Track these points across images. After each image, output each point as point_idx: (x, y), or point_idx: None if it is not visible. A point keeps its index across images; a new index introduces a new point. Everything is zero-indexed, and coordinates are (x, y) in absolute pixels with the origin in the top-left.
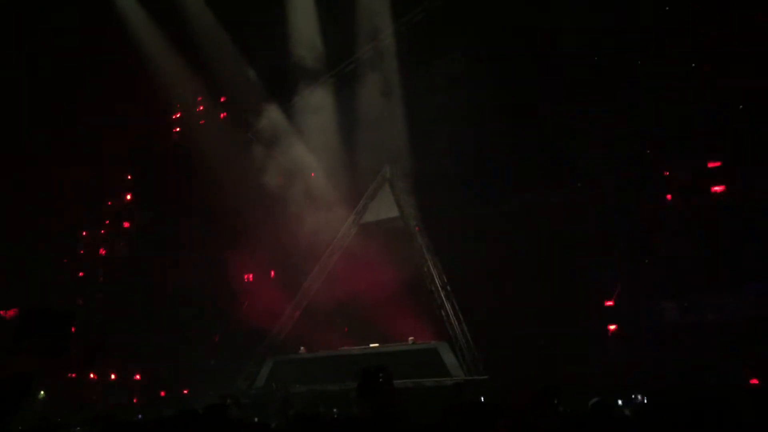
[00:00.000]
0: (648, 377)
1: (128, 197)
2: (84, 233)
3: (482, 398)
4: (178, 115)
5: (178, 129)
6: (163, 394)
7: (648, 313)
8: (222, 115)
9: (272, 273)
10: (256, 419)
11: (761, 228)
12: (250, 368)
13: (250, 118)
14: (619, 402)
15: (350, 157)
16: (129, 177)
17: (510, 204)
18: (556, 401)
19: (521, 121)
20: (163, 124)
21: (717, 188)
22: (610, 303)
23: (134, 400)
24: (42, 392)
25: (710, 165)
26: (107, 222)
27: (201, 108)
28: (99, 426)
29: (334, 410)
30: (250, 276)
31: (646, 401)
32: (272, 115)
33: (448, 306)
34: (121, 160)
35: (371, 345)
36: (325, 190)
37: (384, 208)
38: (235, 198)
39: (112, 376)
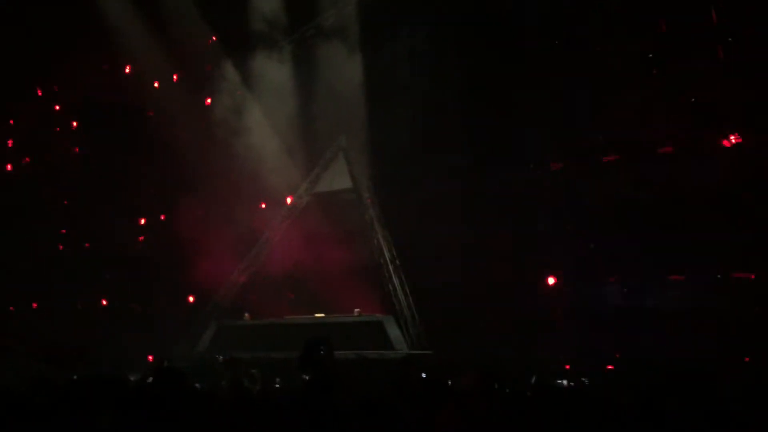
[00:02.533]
0: (590, 359)
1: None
2: None
3: (423, 374)
4: (128, 70)
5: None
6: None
7: (591, 295)
8: (176, 76)
9: (220, 236)
10: (197, 385)
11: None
12: (193, 332)
13: (205, 79)
14: (563, 383)
15: (306, 125)
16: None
17: (464, 181)
18: (496, 385)
19: (481, 98)
20: (114, 79)
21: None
22: (551, 281)
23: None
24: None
25: (661, 151)
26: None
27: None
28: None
29: (277, 380)
30: (198, 237)
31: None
32: (228, 77)
33: (395, 280)
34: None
35: (316, 315)
36: (279, 156)
37: (337, 178)
38: (186, 158)
39: None
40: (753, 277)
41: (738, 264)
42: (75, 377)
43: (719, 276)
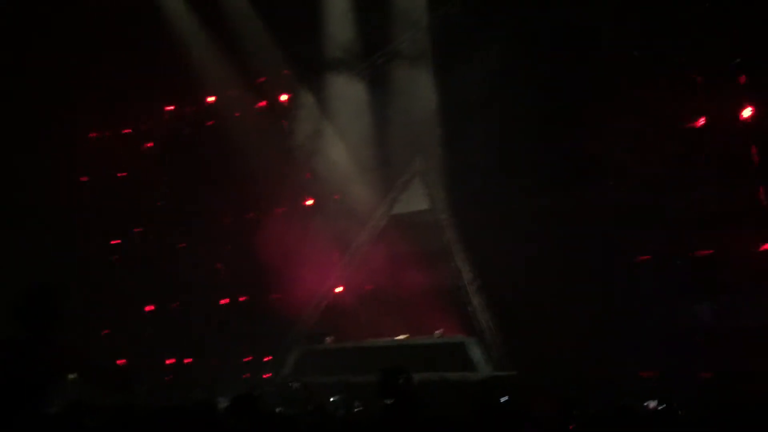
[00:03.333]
0: (677, 382)
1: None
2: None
3: (506, 397)
4: (210, 100)
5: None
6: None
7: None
8: (259, 104)
9: (301, 262)
10: (278, 409)
11: None
12: (277, 357)
13: (283, 107)
14: (648, 405)
15: (382, 149)
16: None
17: (541, 200)
18: (575, 412)
19: (556, 118)
20: (195, 110)
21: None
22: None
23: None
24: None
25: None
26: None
27: (234, 95)
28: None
29: (356, 403)
30: (279, 264)
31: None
32: (305, 104)
33: (476, 301)
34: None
35: (398, 337)
36: (357, 180)
37: (414, 200)
38: (265, 185)
39: None
40: None
41: None
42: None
43: None
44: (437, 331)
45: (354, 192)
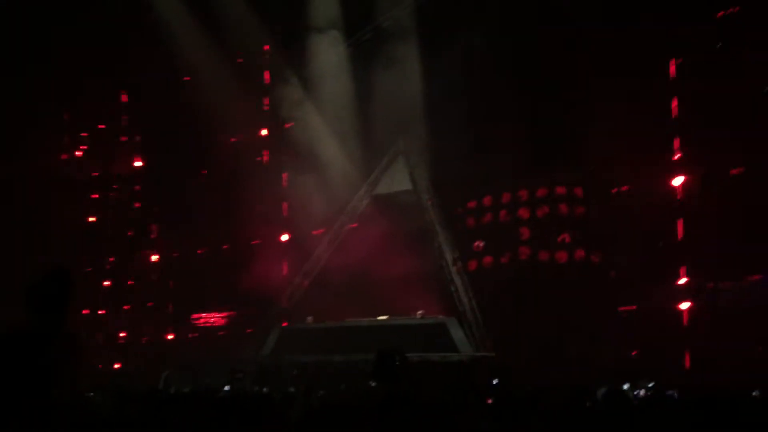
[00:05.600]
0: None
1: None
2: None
3: (495, 381)
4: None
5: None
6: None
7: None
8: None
9: (281, 239)
10: (264, 389)
11: None
12: (258, 336)
13: (264, 84)
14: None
15: (364, 128)
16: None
17: (522, 180)
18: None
19: (538, 100)
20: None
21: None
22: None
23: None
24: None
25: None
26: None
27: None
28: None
29: (342, 386)
30: (258, 241)
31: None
32: (287, 81)
33: (458, 281)
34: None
35: (379, 317)
36: (339, 159)
37: (397, 180)
38: (246, 162)
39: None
40: None
41: None
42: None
43: None
44: (419, 312)
45: (335, 169)
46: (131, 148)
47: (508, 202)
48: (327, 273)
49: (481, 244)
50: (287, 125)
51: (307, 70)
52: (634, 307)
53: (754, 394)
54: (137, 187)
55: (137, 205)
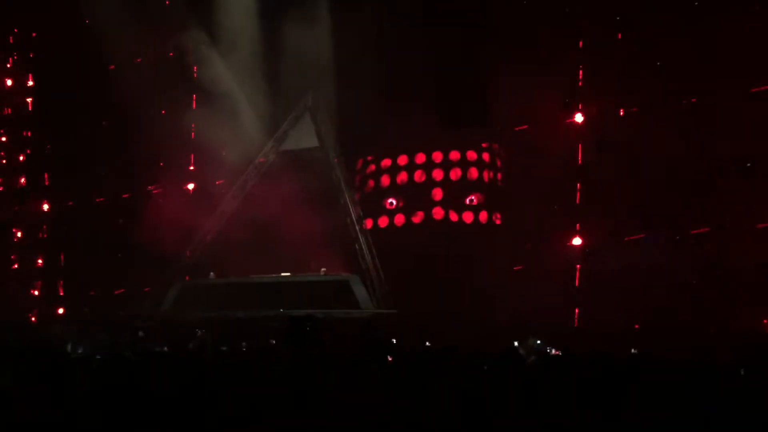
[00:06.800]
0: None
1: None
2: None
3: (393, 340)
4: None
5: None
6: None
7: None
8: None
9: (186, 189)
10: (165, 348)
11: None
12: (157, 291)
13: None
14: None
15: (274, 82)
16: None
17: (431, 141)
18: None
19: (450, 61)
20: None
21: None
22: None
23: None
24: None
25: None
26: None
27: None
28: None
29: (243, 344)
30: (161, 193)
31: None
32: (194, 33)
33: (361, 239)
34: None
35: (283, 273)
36: (246, 112)
37: (304, 137)
38: (150, 112)
39: None
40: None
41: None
42: None
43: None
44: (322, 269)
45: (242, 122)
46: (20, 89)
47: (423, 163)
48: (231, 228)
49: (395, 201)
50: (194, 73)
51: (216, 17)
52: (529, 266)
53: (632, 351)
54: (27, 132)
55: (28, 151)
